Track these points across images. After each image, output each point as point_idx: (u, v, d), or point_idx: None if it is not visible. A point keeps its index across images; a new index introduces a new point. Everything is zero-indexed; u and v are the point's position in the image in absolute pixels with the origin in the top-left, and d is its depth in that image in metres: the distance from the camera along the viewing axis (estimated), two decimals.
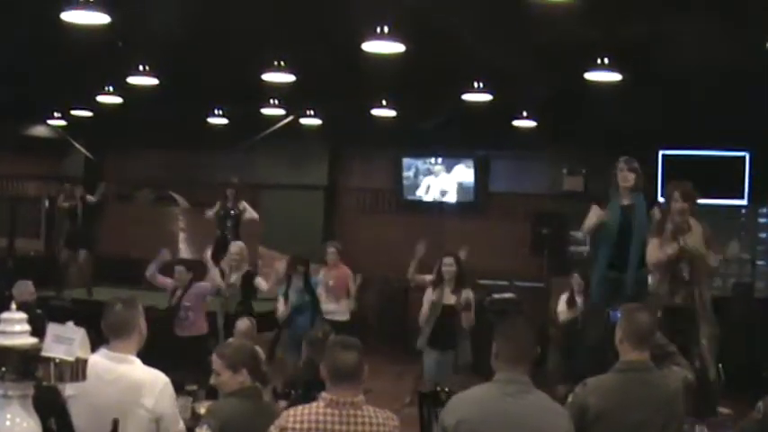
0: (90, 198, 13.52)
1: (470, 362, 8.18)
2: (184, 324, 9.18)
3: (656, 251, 6.32)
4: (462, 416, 3.57)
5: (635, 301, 6.56)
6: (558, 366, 9.30)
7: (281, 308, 9.24)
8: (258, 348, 7.71)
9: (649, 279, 6.74)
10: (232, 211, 11.89)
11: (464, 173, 14.48)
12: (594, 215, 6.95)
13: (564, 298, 9.73)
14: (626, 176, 6.86)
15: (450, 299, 8.21)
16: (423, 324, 8.35)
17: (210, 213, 11.98)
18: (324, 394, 3.54)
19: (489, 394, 3.62)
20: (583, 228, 7.24)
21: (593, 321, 7.47)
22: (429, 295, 8.38)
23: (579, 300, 9.24)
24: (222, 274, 9.48)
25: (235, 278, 9.43)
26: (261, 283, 9.48)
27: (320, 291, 9.43)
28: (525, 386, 3.61)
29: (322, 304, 9.35)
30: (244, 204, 11.91)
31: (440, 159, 14.62)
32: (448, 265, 8.31)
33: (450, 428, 3.56)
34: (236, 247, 9.69)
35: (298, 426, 3.45)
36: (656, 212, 6.92)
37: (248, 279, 9.46)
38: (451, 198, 14.58)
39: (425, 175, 14.71)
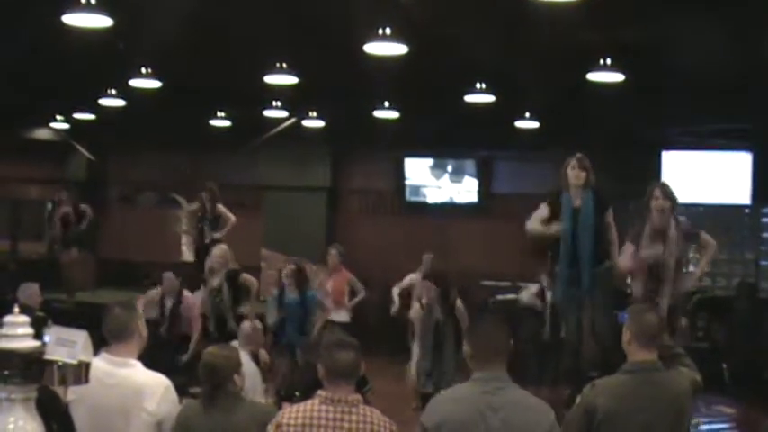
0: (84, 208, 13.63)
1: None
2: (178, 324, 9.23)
3: (626, 259, 6.46)
4: (443, 417, 3.55)
5: (593, 296, 6.74)
6: None
7: (273, 315, 9.02)
8: (263, 351, 7.75)
9: (628, 280, 6.79)
10: (207, 216, 11.88)
11: (467, 174, 14.48)
12: (548, 227, 7.11)
13: (533, 289, 9.93)
14: (578, 174, 6.97)
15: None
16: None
17: (189, 207, 12.00)
18: (320, 392, 3.62)
19: (469, 393, 3.58)
20: (528, 226, 7.33)
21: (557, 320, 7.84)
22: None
23: (548, 295, 9.45)
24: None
25: (217, 281, 9.10)
26: (250, 279, 9.31)
27: (320, 294, 9.43)
28: (503, 382, 3.58)
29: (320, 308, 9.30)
30: (220, 208, 11.86)
31: (442, 161, 14.62)
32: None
33: (432, 430, 3.53)
34: (218, 250, 9.38)
35: (292, 422, 3.55)
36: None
37: (233, 278, 9.16)
38: (454, 199, 14.58)
39: (428, 176, 14.71)
